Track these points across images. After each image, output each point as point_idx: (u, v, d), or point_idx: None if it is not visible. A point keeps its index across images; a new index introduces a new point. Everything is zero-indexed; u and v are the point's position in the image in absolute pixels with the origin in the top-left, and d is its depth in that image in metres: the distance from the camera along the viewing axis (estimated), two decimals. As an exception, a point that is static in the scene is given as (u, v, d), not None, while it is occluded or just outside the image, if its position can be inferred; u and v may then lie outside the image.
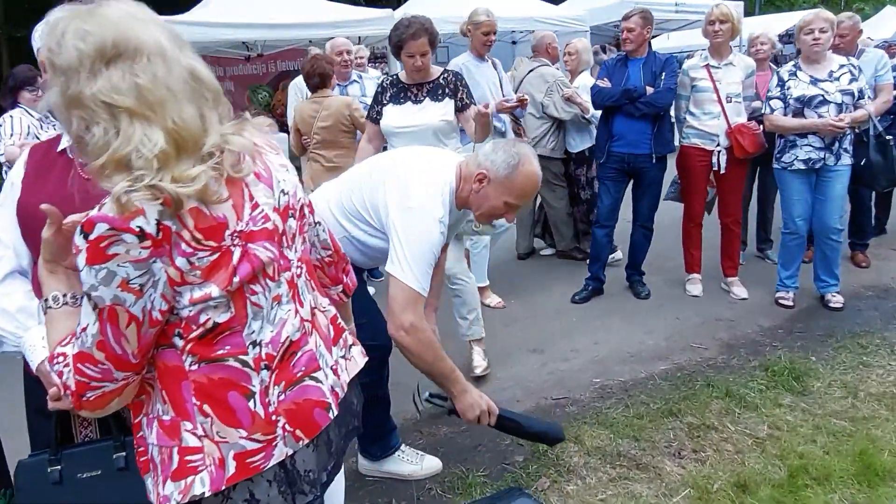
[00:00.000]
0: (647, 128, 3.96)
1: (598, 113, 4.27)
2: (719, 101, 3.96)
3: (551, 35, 5.21)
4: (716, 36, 3.94)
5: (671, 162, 4.19)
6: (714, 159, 4.00)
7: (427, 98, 3.23)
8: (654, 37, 11.78)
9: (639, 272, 4.37)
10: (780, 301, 3.98)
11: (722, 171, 4.01)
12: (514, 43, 11.64)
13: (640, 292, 4.26)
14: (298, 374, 1.20)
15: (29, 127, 3.64)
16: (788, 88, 3.72)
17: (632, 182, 4.20)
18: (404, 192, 1.96)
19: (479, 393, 2.07)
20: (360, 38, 8.89)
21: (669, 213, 4.54)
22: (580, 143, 4.82)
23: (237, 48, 9.63)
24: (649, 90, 3.92)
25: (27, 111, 3.69)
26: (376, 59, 9.09)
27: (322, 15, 8.34)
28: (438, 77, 3.25)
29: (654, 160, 4.00)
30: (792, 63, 3.88)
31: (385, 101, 3.29)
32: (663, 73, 3.96)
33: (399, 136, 3.24)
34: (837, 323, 3.68)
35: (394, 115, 3.25)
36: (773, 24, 10.32)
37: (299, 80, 4.98)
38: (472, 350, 3.31)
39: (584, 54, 5.10)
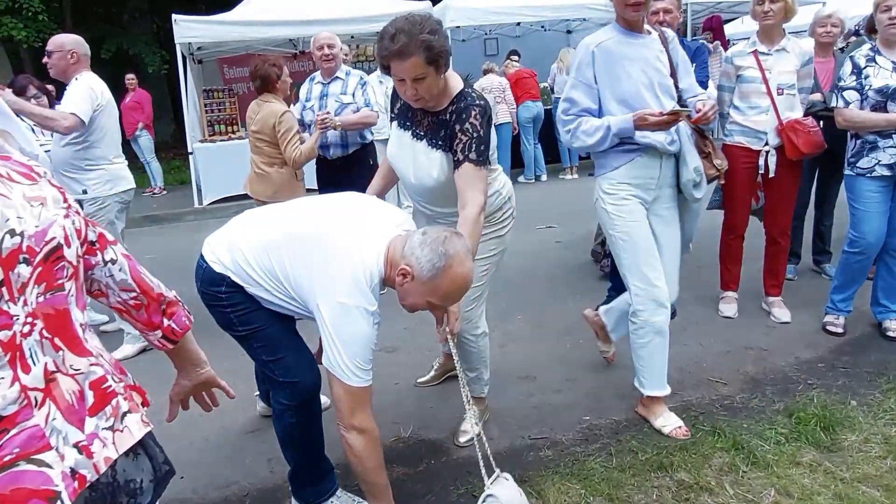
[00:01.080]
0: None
1: None
2: (769, 93, 3.43)
3: None
4: (765, 17, 3.40)
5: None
6: (761, 160, 3.48)
7: (425, 139, 2.30)
8: (729, 20, 10.90)
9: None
10: (829, 327, 3.41)
11: (771, 175, 3.48)
12: (568, 32, 11.08)
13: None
14: (8, 458, 0.96)
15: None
16: (866, 77, 3.14)
17: None
18: (332, 283, 1.80)
19: None
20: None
21: (712, 220, 4.00)
22: None
23: (285, 46, 9.66)
24: None
25: (22, 119, 3.63)
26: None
27: (362, 10, 8.19)
28: (448, 107, 2.23)
29: None
30: (868, 47, 3.27)
31: (393, 115, 2.49)
32: (693, 64, 3.47)
33: (403, 182, 2.55)
34: (893, 358, 3.09)
35: (392, 145, 2.45)
36: (848, 6, 9.29)
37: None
38: (465, 407, 2.42)
39: None
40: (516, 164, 8.78)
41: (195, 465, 2.67)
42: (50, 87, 4.75)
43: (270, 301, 2.00)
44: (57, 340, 1.07)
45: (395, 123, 2.45)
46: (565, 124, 2.62)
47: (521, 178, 8.81)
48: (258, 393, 2.97)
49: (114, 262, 1.24)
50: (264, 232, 2.00)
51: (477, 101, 2.21)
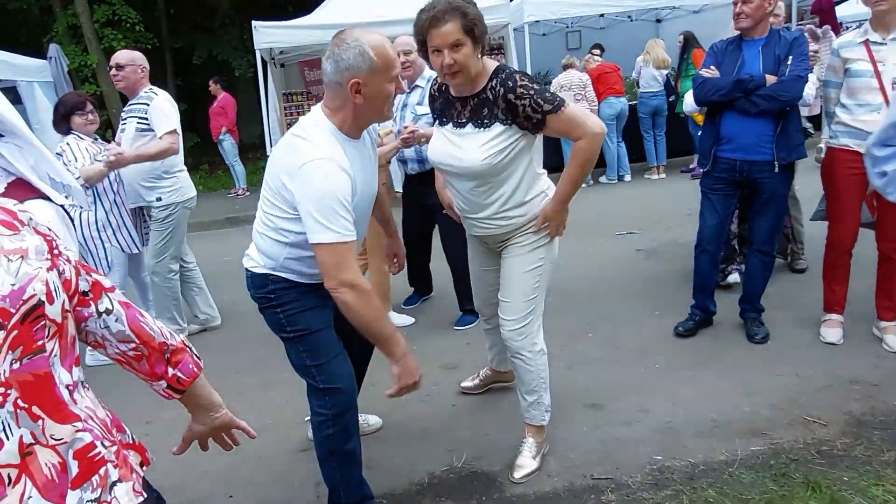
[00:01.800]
0: (767, 127, 3.11)
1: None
2: (881, 88, 2.99)
3: None
4: (878, 2, 2.96)
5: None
6: (872, 166, 3.03)
7: (470, 123, 2.25)
8: (841, 1, 9.93)
9: (755, 308, 3.48)
10: (956, 360, 2.93)
11: (883, 182, 3.01)
12: (658, 21, 10.47)
13: (755, 334, 3.39)
14: None
15: (87, 149, 3.74)
16: None
17: (746, 196, 3.37)
18: (291, 160, 1.90)
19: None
20: (480, 28, 8.50)
21: (820, 230, 3.55)
22: None
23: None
24: (770, 79, 3.05)
25: (79, 136, 3.80)
26: (492, 51, 8.58)
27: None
28: (488, 84, 2.20)
29: (776, 169, 3.14)
30: None
31: (434, 117, 2.49)
32: (789, 57, 3.07)
33: (445, 175, 2.49)
34: None
35: (433, 144, 2.43)
36: None
37: None
38: (524, 437, 2.55)
39: None
40: (598, 163, 8.37)
41: (245, 483, 2.64)
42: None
43: (301, 264, 2.04)
44: (35, 409, 0.98)
45: (436, 124, 2.43)
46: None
47: (602, 179, 8.40)
48: (308, 417, 2.88)
49: (109, 312, 1.15)
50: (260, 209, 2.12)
51: (515, 70, 2.23)
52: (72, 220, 1.45)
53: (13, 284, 0.94)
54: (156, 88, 3.94)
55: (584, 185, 8.26)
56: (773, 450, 2.47)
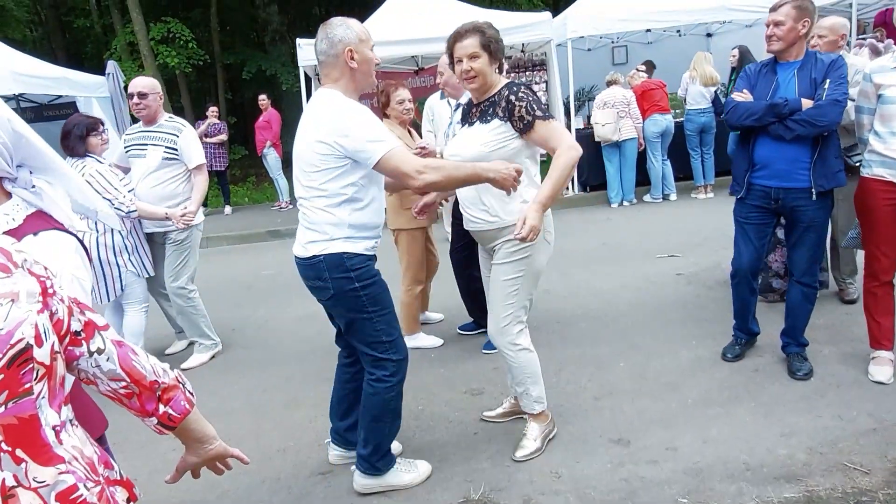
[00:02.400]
0: (803, 153, 2.97)
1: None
2: (915, 116, 2.83)
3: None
4: None
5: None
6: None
7: (477, 120, 2.60)
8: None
9: (798, 342, 3.30)
10: None
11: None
12: (709, 35, 10.22)
13: (797, 370, 3.21)
14: None
15: (114, 173, 3.82)
16: None
17: (784, 223, 3.23)
18: (327, 117, 2.23)
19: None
20: (522, 44, 8.46)
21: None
22: None
23: (407, 62, 9.80)
24: (806, 104, 2.92)
25: (97, 159, 3.81)
26: (535, 66, 8.51)
27: (480, 24, 8.05)
28: (497, 91, 2.58)
29: (813, 196, 2.99)
30: None
31: (458, 123, 2.83)
32: (827, 80, 2.92)
33: None
34: None
35: (450, 143, 2.82)
36: None
37: (434, 99, 4.71)
38: (526, 424, 2.83)
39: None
40: (643, 182, 8.19)
41: (263, 505, 2.63)
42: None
43: (365, 215, 2.34)
44: (19, 452, 0.99)
45: (457, 127, 2.79)
46: None
47: (646, 198, 8.20)
48: (329, 440, 2.88)
49: (100, 351, 1.16)
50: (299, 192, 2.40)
51: (524, 84, 2.59)
52: (86, 250, 1.47)
53: (0, 329, 0.95)
54: (176, 118, 4.08)
55: (626, 204, 8.14)
56: (809, 498, 2.32)
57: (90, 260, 1.42)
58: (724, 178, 8.19)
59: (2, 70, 8.07)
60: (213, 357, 4.30)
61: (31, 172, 1.38)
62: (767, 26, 3.00)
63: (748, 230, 3.20)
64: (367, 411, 2.51)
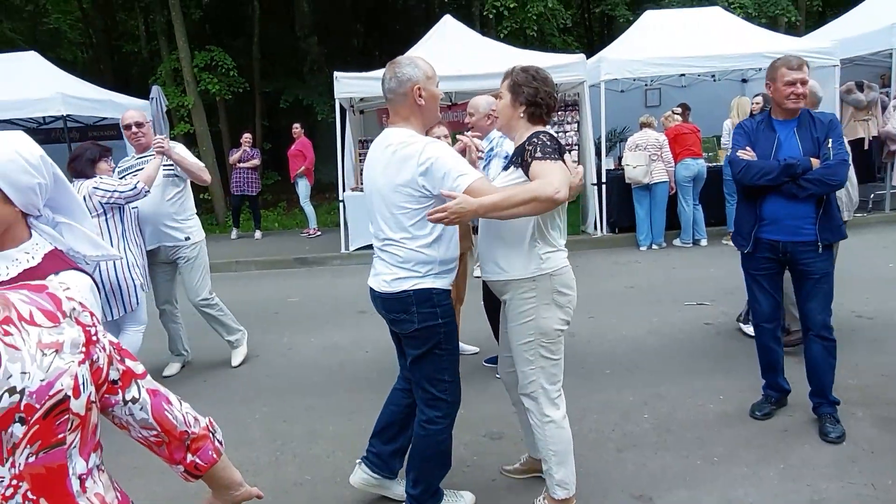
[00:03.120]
0: (809, 209, 3.04)
1: None
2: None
3: None
4: None
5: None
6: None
7: (511, 165, 2.52)
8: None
9: (829, 401, 3.20)
10: None
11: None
12: (744, 81, 10.20)
13: (829, 432, 3.10)
14: None
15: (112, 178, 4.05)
16: None
17: (792, 276, 3.24)
18: (409, 153, 2.28)
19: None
20: (556, 84, 8.55)
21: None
22: None
23: (441, 98, 9.95)
24: (815, 163, 2.99)
25: (100, 177, 3.94)
26: (567, 106, 8.57)
27: (508, 63, 8.13)
28: (525, 139, 2.46)
29: (819, 249, 3.05)
30: None
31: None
32: (829, 139, 2.99)
33: None
34: None
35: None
36: None
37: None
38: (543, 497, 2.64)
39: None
40: (673, 225, 8.12)
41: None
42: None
43: (449, 251, 2.41)
44: (43, 501, 1.01)
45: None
46: None
47: (676, 242, 8.12)
48: (360, 459, 2.84)
49: (135, 401, 1.19)
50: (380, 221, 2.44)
51: (546, 131, 2.47)
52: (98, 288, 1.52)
53: (42, 380, 0.97)
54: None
55: (656, 247, 8.05)
56: (840, 573, 2.23)
57: (99, 288, 1.46)
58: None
59: (52, 92, 8.43)
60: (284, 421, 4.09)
61: (51, 211, 1.44)
62: (793, 84, 2.99)
63: (762, 281, 3.25)
64: (417, 452, 2.53)
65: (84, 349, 1.05)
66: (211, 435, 1.28)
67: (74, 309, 1.07)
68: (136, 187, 3.89)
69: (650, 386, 3.83)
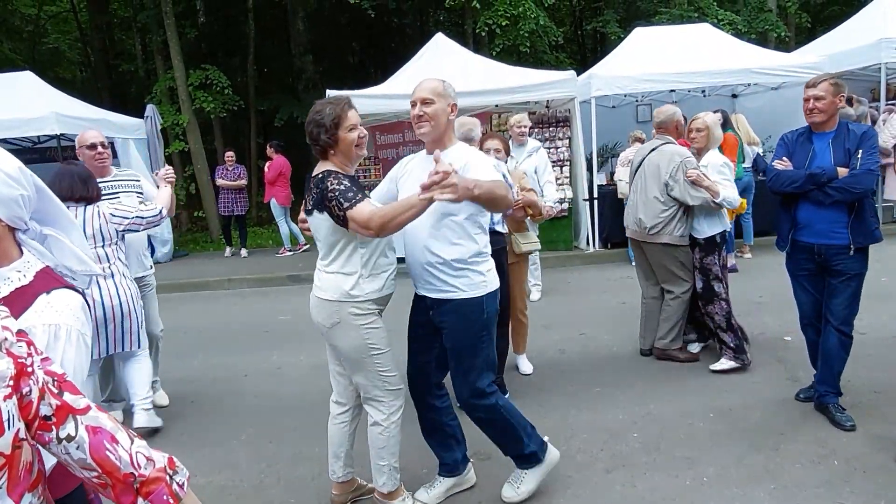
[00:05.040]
0: (841, 215, 3.21)
1: (729, 195, 4.05)
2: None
3: (676, 111, 4.64)
4: None
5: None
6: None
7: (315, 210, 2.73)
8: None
9: (837, 390, 3.39)
10: None
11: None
12: (734, 96, 10.26)
13: (844, 421, 3.31)
14: None
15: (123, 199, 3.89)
16: None
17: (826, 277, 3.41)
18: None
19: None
20: (547, 101, 8.58)
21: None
22: (709, 229, 4.21)
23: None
24: (842, 172, 3.14)
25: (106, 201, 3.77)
26: (558, 122, 8.60)
27: (506, 80, 8.19)
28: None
29: (851, 252, 3.20)
30: None
31: None
32: (860, 150, 3.13)
33: None
34: None
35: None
36: None
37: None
38: None
39: (715, 129, 4.34)
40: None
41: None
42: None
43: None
44: None
45: None
46: None
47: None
48: (439, 477, 2.97)
49: (70, 439, 1.11)
50: (422, 237, 2.62)
51: (332, 173, 2.59)
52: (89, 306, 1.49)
53: None
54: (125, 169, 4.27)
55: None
56: None
57: (107, 322, 1.43)
58: (762, 237, 8.06)
59: (46, 111, 8.45)
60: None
61: (39, 224, 1.42)
62: (807, 101, 3.23)
63: (801, 280, 3.48)
64: (490, 430, 2.82)
65: (11, 382, 1.00)
66: (168, 478, 1.18)
67: (6, 339, 1.03)
68: (161, 213, 3.68)
69: (640, 404, 3.79)
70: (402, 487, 2.84)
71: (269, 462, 3.45)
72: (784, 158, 3.37)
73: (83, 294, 1.51)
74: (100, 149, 3.87)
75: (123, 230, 3.64)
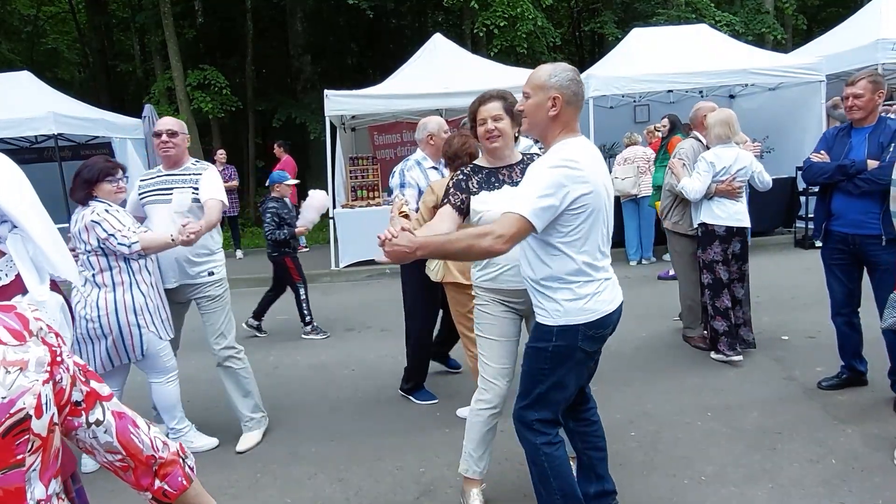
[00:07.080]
0: (872, 206, 3.33)
1: (690, 187, 4.25)
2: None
3: (702, 106, 4.90)
4: None
5: None
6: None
7: (508, 183, 2.65)
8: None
9: None
10: None
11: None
12: (731, 97, 10.27)
13: None
14: None
15: (125, 214, 3.36)
16: None
17: (865, 267, 3.54)
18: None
19: None
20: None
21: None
22: (708, 219, 4.38)
23: (431, 114, 10.00)
24: (872, 164, 3.29)
25: (108, 204, 3.30)
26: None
27: (504, 81, 8.18)
28: (526, 155, 2.78)
29: (883, 242, 3.29)
30: None
31: (473, 190, 2.65)
32: (892, 145, 3.28)
33: None
34: None
35: (484, 203, 2.62)
36: None
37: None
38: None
39: (714, 128, 4.41)
40: (661, 240, 8.10)
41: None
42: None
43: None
44: None
45: (482, 193, 2.64)
46: None
47: (665, 257, 8.08)
48: None
49: (99, 423, 1.16)
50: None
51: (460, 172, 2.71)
52: (71, 312, 1.49)
53: (3, 397, 0.95)
54: (202, 161, 3.81)
55: (645, 262, 8.00)
56: None
57: (73, 318, 1.43)
58: (760, 236, 8.06)
59: (44, 111, 8.43)
60: (264, 436, 3.75)
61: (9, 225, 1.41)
62: (846, 98, 3.38)
63: (835, 270, 3.60)
64: (531, 468, 2.44)
65: (49, 368, 1.03)
66: (181, 460, 1.25)
67: (42, 329, 1.06)
68: (131, 246, 3.20)
69: (637, 403, 3.79)
70: (475, 479, 2.82)
71: (264, 462, 3.44)
72: (822, 152, 3.55)
73: (64, 295, 1.51)
74: (164, 137, 3.49)
75: (102, 245, 3.24)
